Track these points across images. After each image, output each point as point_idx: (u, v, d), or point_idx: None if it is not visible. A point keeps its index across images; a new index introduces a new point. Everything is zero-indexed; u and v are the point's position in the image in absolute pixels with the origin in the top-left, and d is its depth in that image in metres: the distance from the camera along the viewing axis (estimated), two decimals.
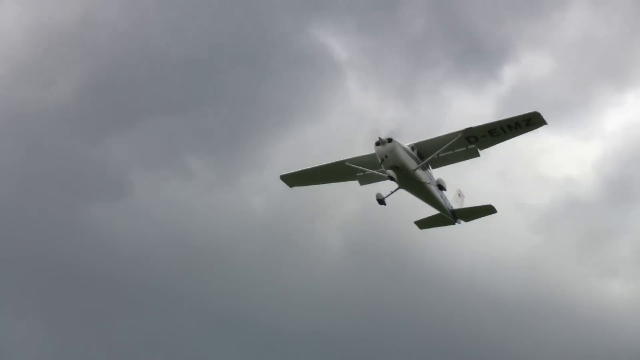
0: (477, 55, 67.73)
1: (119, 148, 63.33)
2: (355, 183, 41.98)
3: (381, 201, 40.15)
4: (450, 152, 39.52)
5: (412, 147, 39.22)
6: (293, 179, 42.63)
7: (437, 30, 69.98)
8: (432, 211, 43.07)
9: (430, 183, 39.86)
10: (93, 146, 63.17)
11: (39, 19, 66.59)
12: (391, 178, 38.46)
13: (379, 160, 38.46)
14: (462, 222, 43.94)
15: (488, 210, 42.97)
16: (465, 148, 39.34)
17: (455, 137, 38.61)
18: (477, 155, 39.60)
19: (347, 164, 40.67)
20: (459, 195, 44.95)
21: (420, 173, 39.43)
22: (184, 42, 66.80)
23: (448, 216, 43.06)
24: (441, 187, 39.81)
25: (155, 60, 65.71)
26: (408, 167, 38.59)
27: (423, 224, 44.33)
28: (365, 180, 41.68)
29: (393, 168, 38.38)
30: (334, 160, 41.05)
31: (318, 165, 41.57)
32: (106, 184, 62.04)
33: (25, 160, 60.96)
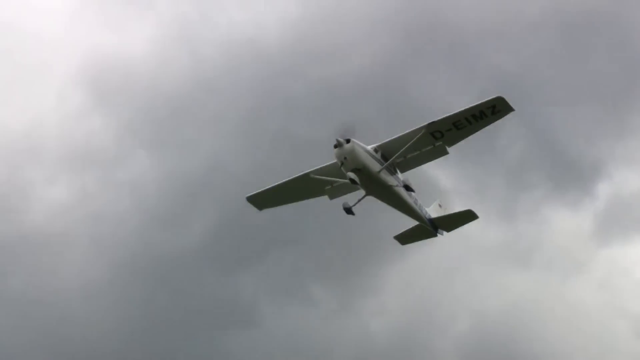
0: (573, 175, 70.64)
1: (248, 281, 67.91)
2: (325, 198, 39.82)
3: (348, 210, 37.56)
4: (417, 152, 37.13)
5: (376, 149, 36.77)
6: (260, 200, 40.29)
7: (533, 154, 73.19)
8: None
9: (397, 185, 37.33)
10: (225, 281, 67.90)
11: (169, 168, 72.30)
12: (353, 181, 35.86)
13: (339, 164, 36.09)
14: (443, 232, 41.34)
15: (468, 216, 40.24)
16: (432, 146, 36.88)
17: (419, 133, 36.13)
18: (446, 152, 37.06)
19: (312, 175, 38.38)
20: (440, 206, 42.27)
21: (386, 176, 36.94)
22: None
23: (427, 226, 40.38)
24: (408, 188, 37.07)
25: None
26: (370, 168, 36.01)
27: (403, 238, 41.70)
28: (334, 193, 39.17)
29: (355, 171, 35.92)
30: (298, 174, 38.94)
31: (282, 181, 39.42)
32: (238, 315, 66.61)
33: (163, 297, 65.68)
